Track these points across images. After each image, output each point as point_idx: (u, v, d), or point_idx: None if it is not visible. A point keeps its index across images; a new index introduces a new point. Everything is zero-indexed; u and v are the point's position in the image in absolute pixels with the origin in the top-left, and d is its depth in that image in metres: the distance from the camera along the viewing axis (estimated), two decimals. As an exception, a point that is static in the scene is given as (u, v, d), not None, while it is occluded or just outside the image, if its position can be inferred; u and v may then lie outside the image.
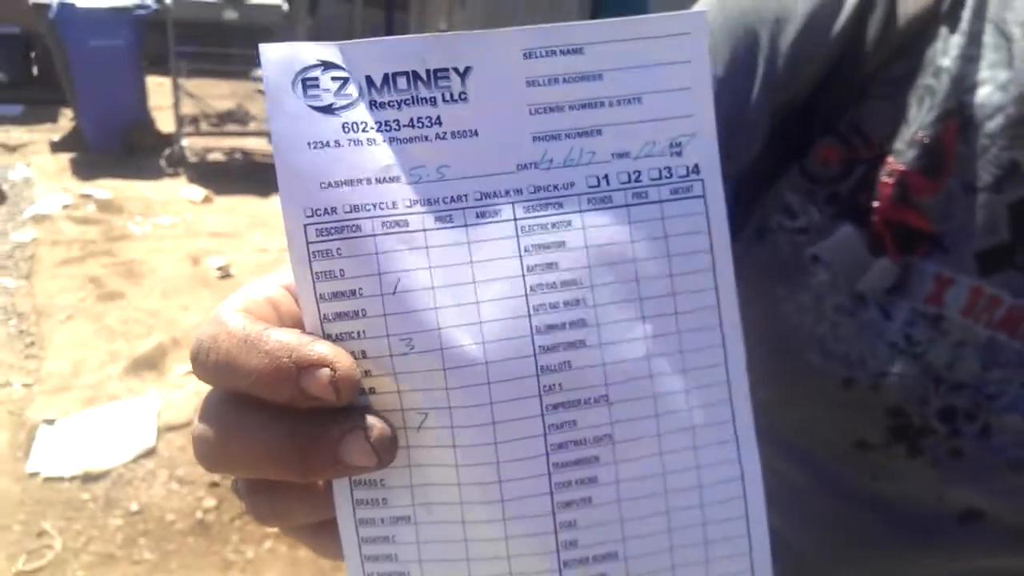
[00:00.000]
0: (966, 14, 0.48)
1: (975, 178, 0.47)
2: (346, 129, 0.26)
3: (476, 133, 0.27)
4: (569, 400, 0.26)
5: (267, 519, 0.28)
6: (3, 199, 4.52)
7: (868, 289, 0.49)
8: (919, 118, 0.48)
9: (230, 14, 5.17)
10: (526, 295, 0.26)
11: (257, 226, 4.55)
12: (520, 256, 0.27)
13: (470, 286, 0.26)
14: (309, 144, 0.26)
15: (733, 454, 0.27)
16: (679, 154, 0.28)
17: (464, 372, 0.26)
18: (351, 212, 0.26)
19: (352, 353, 0.25)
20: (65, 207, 4.51)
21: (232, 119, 6.33)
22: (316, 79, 0.26)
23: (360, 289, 0.26)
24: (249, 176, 5.42)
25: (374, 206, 0.26)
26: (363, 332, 0.26)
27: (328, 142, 0.26)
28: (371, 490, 0.27)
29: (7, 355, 3.02)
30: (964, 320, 0.47)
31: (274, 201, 4.93)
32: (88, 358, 3.05)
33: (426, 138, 0.27)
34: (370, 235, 0.26)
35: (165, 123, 5.86)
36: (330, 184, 0.26)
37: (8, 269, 3.73)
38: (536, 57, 0.27)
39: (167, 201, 4.82)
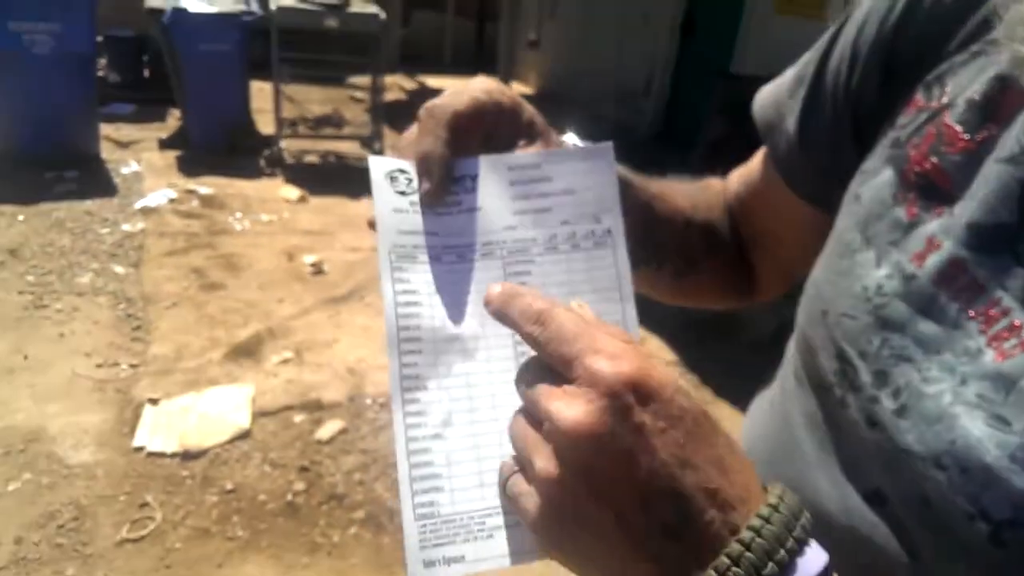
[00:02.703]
0: None
1: (1001, 148, 0.43)
2: (411, 204, 0.47)
3: (481, 209, 0.48)
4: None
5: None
6: (115, 192, 4.78)
7: (874, 233, 0.48)
8: (982, 77, 0.46)
9: (331, 21, 5.35)
10: None
11: (348, 226, 4.70)
12: (505, 279, 0.46)
13: (476, 293, 0.46)
14: (393, 209, 0.47)
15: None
16: (599, 222, 0.48)
17: (468, 338, 0.45)
18: (413, 248, 0.46)
19: (408, 327, 0.44)
20: (171, 201, 4.75)
21: (328, 123, 6.55)
22: (397, 176, 0.48)
23: (417, 289, 0.45)
24: (342, 178, 5.60)
25: (425, 246, 0.46)
26: (418, 313, 0.45)
27: (402, 209, 0.47)
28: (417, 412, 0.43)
29: (116, 337, 3.20)
30: (933, 288, 0.43)
31: (364, 203, 5.07)
32: (190, 343, 3.21)
33: (452, 212, 0.47)
34: (423, 262, 0.46)
35: (265, 125, 6.11)
36: (403, 232, 0.46)
37: (119, 257, 3.96)
38: (514, 169, 0.48)
39: (265, 199, 5.03)
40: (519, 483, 0.39)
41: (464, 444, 0.42)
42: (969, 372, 0.41)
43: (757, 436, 0.61)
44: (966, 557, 0.40)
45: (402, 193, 0.47)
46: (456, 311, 0.45)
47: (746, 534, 0.34)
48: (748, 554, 0.33)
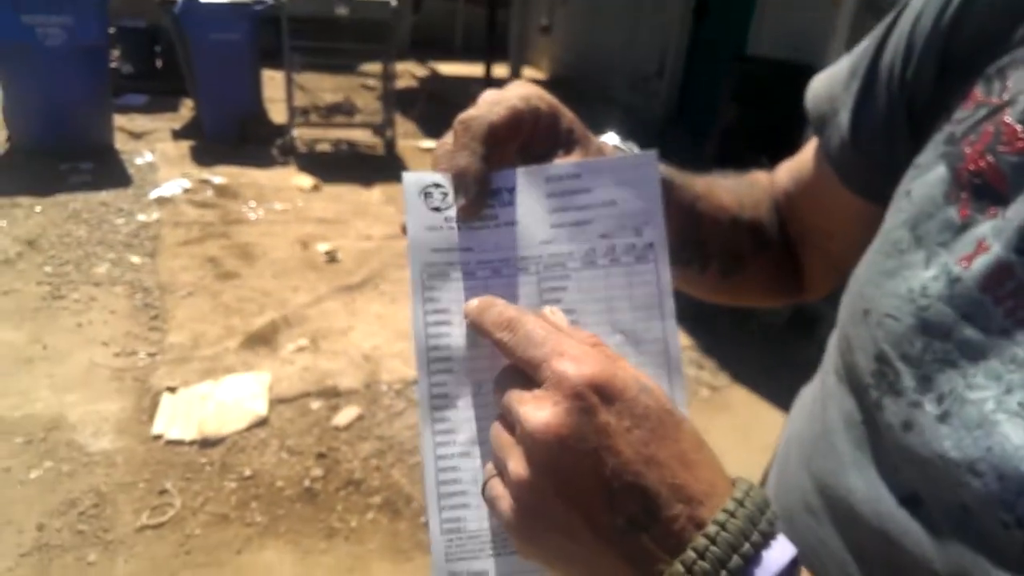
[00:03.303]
0: None
1: None
2: (446, 220, 0.45)
3: (518, 223, 0.46)
4: None
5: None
6: (130, 182, 4.81)
7: (924, 233, 0.47)
8: None
9: (341, 9, 5.34)
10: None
11: (361, 214, 4.70)
12: (540, 295, 0.45)
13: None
14: (426, 227, 0.45)
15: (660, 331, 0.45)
16: (640, 235, 0.46)
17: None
18: (446, 265, 0.45)
19: (439, 347, 0.44)
20: (185, 191, 4.77)
21: (339, 111, 6.56)
22: (432, 192, 0.46)
23: (448, 308, 0.44)
24: (354, 166, 5.60)
25: (459, 263, 0.45)
26: (448, 333, 0.44)
27: (436, 226, 0.45)
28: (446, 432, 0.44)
29: (133, 326, 3.23)
30: (978, 293, 0.42)
31: (377, 191, 5.08)
32: (207, 332, 3.23)
33: (488, 227, 0.46)
34: (456, 279, 0.45)
35: (277, 114, 6.12)
36: (436, 250, 0.45)
37: (135, 247, 3.98)
38: (552, 180, 0.46)
39: (278, 188, 5.04)
40: (496, 486, 0.40)
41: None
42: (1016, 380, 0.40)
43: (797, 431, 0.60)
44: (1001, 565, 0.39)
45: (436, 209, 0.45)
46: None
47: (711, 528, 0.34)
48: (713, 548, 0.34)
